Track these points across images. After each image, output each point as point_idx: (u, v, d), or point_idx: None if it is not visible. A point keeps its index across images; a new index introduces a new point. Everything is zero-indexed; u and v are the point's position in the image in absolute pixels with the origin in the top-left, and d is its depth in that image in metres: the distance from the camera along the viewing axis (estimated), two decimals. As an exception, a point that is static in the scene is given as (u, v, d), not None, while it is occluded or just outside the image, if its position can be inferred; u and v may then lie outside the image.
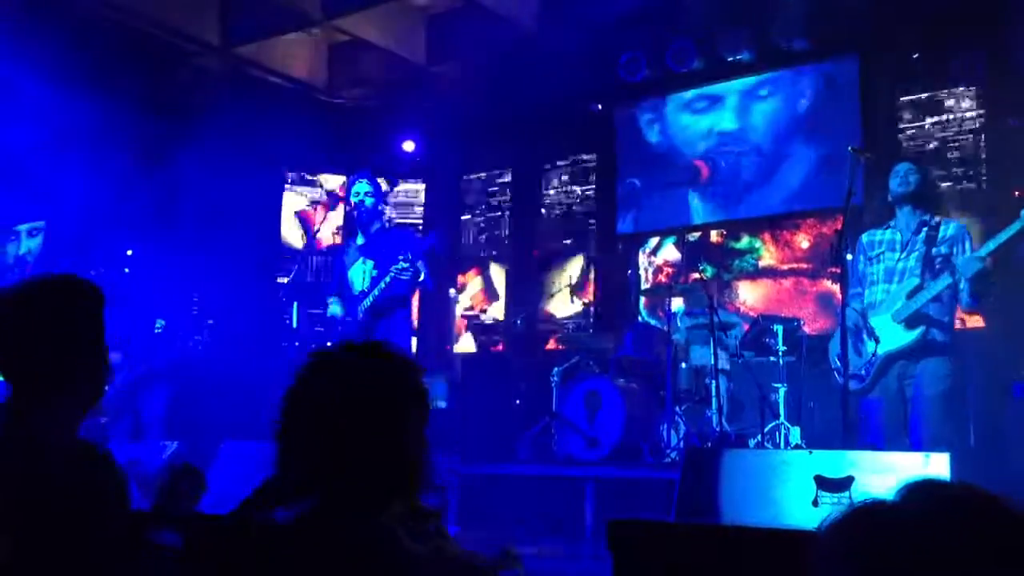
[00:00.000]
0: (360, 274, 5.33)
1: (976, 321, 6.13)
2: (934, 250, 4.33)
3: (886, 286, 4.39)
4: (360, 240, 5.43)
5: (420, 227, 8.88)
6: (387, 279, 5.06)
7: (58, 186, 7.37)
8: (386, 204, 5.52)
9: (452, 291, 8.92)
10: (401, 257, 4.98)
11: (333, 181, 8.85)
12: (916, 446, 4.02)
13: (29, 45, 6.55)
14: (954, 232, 4.38)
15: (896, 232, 4.48)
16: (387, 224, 5.47)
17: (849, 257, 4.59)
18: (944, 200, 4.74)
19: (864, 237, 4.58)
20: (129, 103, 6.96)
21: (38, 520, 1.45)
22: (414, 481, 1.36)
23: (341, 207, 8.46)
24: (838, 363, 4.28)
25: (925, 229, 4.37)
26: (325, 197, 8.79)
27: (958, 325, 4.64)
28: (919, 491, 0.86)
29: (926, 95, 6.95)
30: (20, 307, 1.71)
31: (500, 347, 8.69)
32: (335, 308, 5.39)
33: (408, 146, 8.63)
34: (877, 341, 4.26)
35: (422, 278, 5.07)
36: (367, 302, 5.18)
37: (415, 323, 5.80)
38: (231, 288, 7.61)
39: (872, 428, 4.25)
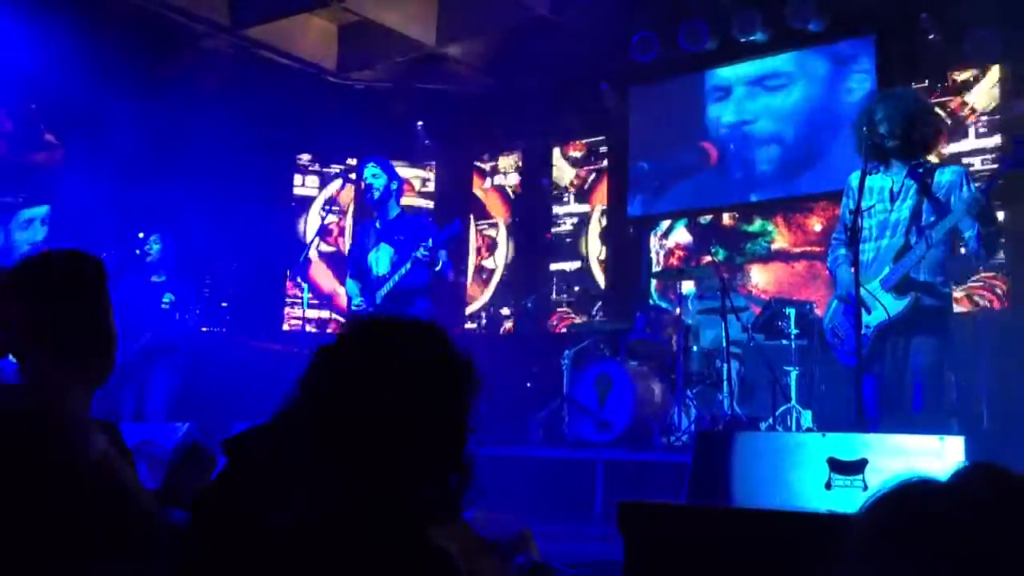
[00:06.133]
0: (378, 259, 5.29)
1: (996, 301, 6.07)
2: (926, 203, 3.79)
3: (876, 244, 3.91)
4: (379, 224, 5.38)
5: (432, 210, 8.85)
6: (407, 266, 5.04)
7: (65, 169, 7.36)
8: (400, 186, 5.46)
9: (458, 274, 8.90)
10: (422, 245, 4.97)
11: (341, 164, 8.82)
12: (916, 424, 3.69)
13: (36, 26, 6.54)
14: (951, 178, 3.85)
15: (888, 178, 3.92)
16: (404, 209, 5.44)
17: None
18: (933, 138, 4.01)
19: (853, 180, 3.88)
20: (137, 84, 6.94)
21: (53, 499, 1.43)
22: (459, 469, 1.26)
23: (350, 188, 8.43)
24: (831, 336, 4.03)
25: (916, 178, 3.84)
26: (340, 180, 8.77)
27: (983, 303, 4.43)
28: (975, 474, 0.82)
29: (943, 75, 6.87)
30: (24, 283, 1.68)
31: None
32: (354, 290, 5.38)
33: None
34: (869, 312, 3.83)
35: (439, 267, 5.05)
36: (386, 288, 5.14)
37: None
38: (241, 268, 7.60)
39: (869, 405, 3.81)
